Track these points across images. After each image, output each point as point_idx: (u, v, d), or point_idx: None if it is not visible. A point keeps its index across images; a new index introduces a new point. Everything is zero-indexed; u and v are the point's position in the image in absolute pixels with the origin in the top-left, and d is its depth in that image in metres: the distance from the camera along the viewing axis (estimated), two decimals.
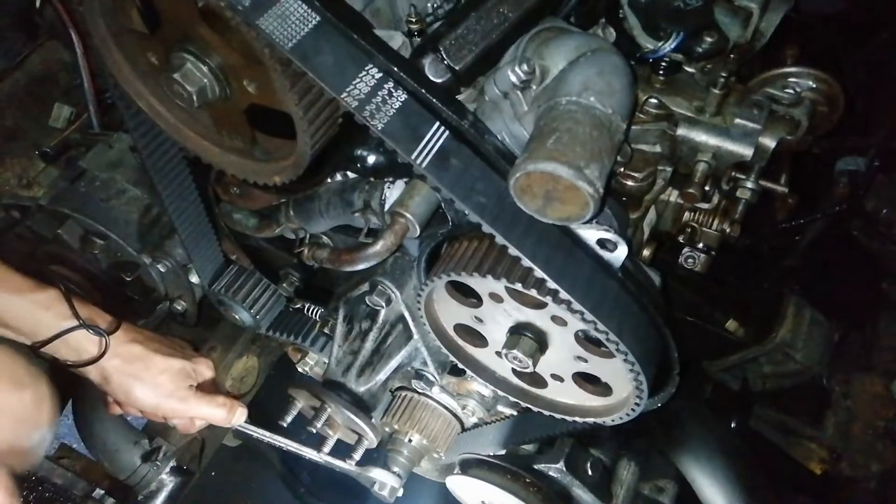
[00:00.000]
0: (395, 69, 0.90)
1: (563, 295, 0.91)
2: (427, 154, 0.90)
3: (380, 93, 0.89)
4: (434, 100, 0.92)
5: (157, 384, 1.12)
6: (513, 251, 0.91)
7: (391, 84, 0.90)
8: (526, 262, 0.91)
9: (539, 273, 0.90)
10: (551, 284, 0.91)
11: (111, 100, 1.20)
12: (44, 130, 1.69)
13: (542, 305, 0.98)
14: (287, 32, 0.85)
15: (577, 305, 0.91)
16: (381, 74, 0.90)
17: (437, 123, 0.91)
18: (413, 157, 0.89)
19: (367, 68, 0.89)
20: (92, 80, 1.57)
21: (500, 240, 0.91)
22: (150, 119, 1.10)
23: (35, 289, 1.03)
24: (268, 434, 1.28)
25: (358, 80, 0.89)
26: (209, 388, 1.21)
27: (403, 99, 0.90)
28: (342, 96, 0.87)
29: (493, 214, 0.91)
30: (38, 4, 1.55)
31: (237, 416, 1.23)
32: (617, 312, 0.95)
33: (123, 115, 1.14)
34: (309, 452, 1.29)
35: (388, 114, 0.89)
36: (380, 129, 0.88)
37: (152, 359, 1.12)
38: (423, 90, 0.91)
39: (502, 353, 1.09)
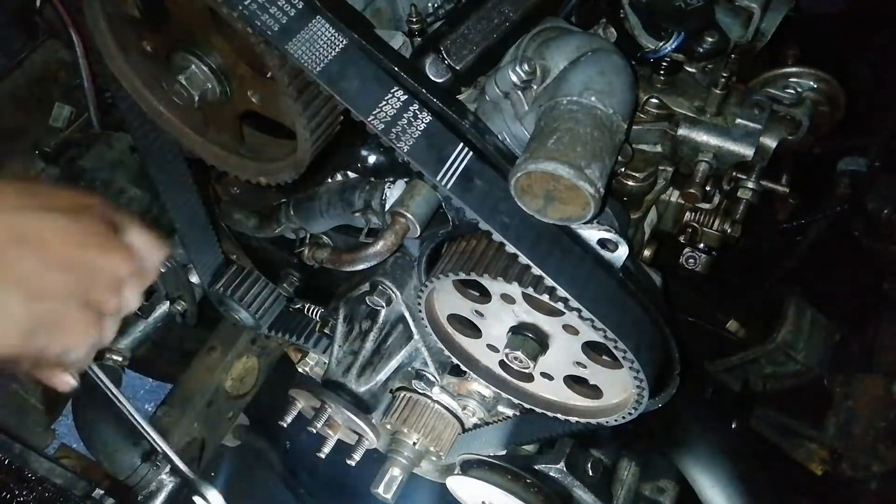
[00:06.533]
0: (423, 91, 0.91)
1: (587, 314, 0.91)
2: (452, 175, 0.90)
3: (405, 115, 0.89)
4: (461, 120, 0.92)
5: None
6: (536, 270, 0.91)
7: (416, 106, 0.90)
8: (549, 282, 0.91)
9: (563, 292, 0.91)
10: (574, 303, 0.91)
11: (111, 99, 1.20)
12: (44, 130, 1.69)
13: (556, 313, 0.98)
14: (315, 57, 0.85)
15: (599, 324, 0.92)
16: (406, 96, 0.90)
17: (462, 144, 0.92)
18: (438, 178, 0.89)
19: (392, 90, 0.90)
20: (92, 80, 1.57)
21: (524, 259, 0.91)
22: (149, 117, 1.10)
23: None
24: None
25: (384, 102, 0.89)
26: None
27: (428, 121, 0.90)
28: (369, 119, 0.88)
29: (517, 234, 0.91)
30: (37, 4, 1.55)
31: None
32: (636, 331, 0.96)
33: (123, 112, 1.14)
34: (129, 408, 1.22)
35: (414, 136, 0.89)
36: (405, 150, 0.88)
37: None
38: (449, 110, 0.92)
39: (502, 352, 1.09)
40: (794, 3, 1.30)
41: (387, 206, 1.15)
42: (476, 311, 1.09)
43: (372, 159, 1.13)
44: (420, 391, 1.36)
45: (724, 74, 1.10)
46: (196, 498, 1.29)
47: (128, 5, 0.99)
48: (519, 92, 1.00)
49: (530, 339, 1.05)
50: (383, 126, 0.88)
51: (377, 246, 1.06)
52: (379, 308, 1.27)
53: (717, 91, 1.11)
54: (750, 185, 1.19)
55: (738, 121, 1.14)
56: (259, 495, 2.44)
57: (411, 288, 1.26)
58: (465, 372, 1.23)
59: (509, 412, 1.41)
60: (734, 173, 1.19)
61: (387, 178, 1.16)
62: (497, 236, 0.91)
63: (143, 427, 1.22)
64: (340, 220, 1.29)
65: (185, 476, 1.30)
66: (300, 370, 1.57)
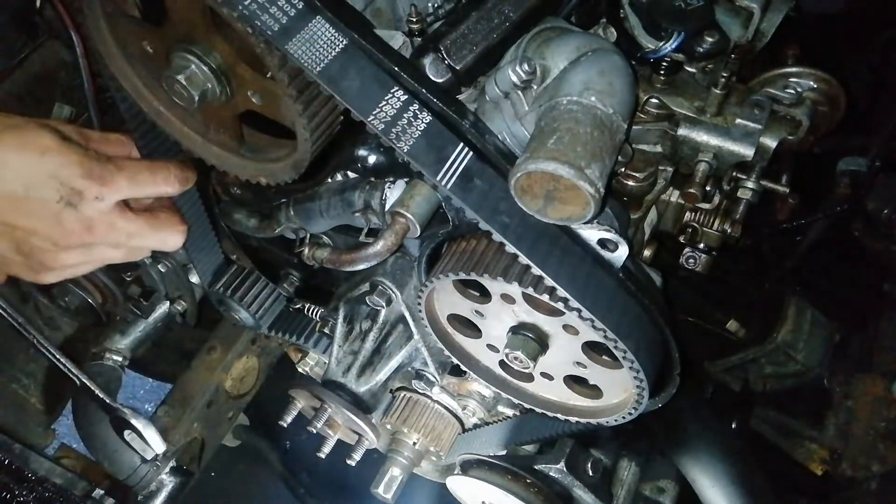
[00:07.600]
0: (424, 91, 0.90)
1: (587, 314, 0.91)
2: (452, 175, 0.90)
3: (405, 115, 0.89)
4: (461, 120, 0.92)
5: None
6: (536, 270, 0.91)
7: (416, 106, 0.90)
8: (549, 282, 0.91)
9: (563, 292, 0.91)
10: (574, 303, 0.91)
11: (111, 99, 1.19)
12: None
13: (556, 313, 0.98)
14: (315, 57, 0.85)
15: (599, 324, 0.92)
16: (406, 96, 0.90)
17: (462, 144, 0.92)
18: (438, 178, 0.89)
19: (392, 90, 0.89)
20: (92, 80, 1.57)
21: (524, 259, 0.91)
22: (148, 117, 1.10)
23: None
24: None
25: (384, 102, 0.89)
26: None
27: (428, 121, 0.90)
28: (369, 119, 0.87)
29: (517, 234, 0.91)
30: (37, 4, 1.55)
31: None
32: (636, 331, 0.96)
33: (123, 112, 1.14)
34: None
35: (414, 136, 0.89)
36: (405, 150, 0.88)
37: None
38: (449, 110, 0.92)
39: (502, 352, 1.09)
40: (794, 3, 1.30)
41: (387, 206, 1.15)
42: (476, 311, 1.09)
43: (372, 159, 1.13)
44: (420, 391, 1.36)
45: (724, 74, 1.10)
46: (128, 432, 1.30)
47: (128, 5, 0.99)
48: (519, 92, 1.00)
49: (530, 339, 1.05)
50: (383, 126, 0.88)
51: (377, 246, 1.06)
52: (379, 308, 1.27)
53: (717, 91, 1.11)
54: (750, 185, 1.19)
55: (738, 121, 1.14)
56: (259, 495, 2.44)
57: (411, 288, 1.26)
58: (465, 372, 1.23)
59: (509, 412, 1.41)
60: (734, 173, 1.19)
61: (387, 178, 1.16)
62: (497, 236, 0.91)
63: (45, 347, 1.24)
64: (340, 220, 1.29)
65: (113, 408, 1.33)
66: (300, 370, 1.57)
